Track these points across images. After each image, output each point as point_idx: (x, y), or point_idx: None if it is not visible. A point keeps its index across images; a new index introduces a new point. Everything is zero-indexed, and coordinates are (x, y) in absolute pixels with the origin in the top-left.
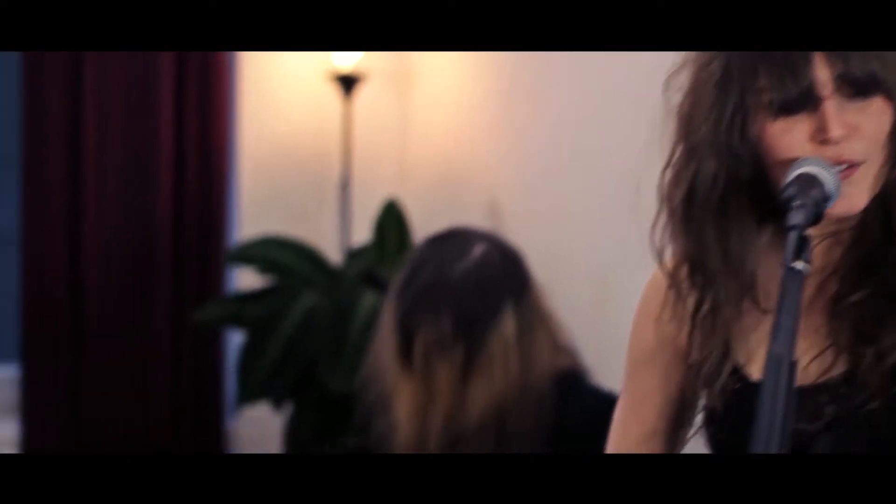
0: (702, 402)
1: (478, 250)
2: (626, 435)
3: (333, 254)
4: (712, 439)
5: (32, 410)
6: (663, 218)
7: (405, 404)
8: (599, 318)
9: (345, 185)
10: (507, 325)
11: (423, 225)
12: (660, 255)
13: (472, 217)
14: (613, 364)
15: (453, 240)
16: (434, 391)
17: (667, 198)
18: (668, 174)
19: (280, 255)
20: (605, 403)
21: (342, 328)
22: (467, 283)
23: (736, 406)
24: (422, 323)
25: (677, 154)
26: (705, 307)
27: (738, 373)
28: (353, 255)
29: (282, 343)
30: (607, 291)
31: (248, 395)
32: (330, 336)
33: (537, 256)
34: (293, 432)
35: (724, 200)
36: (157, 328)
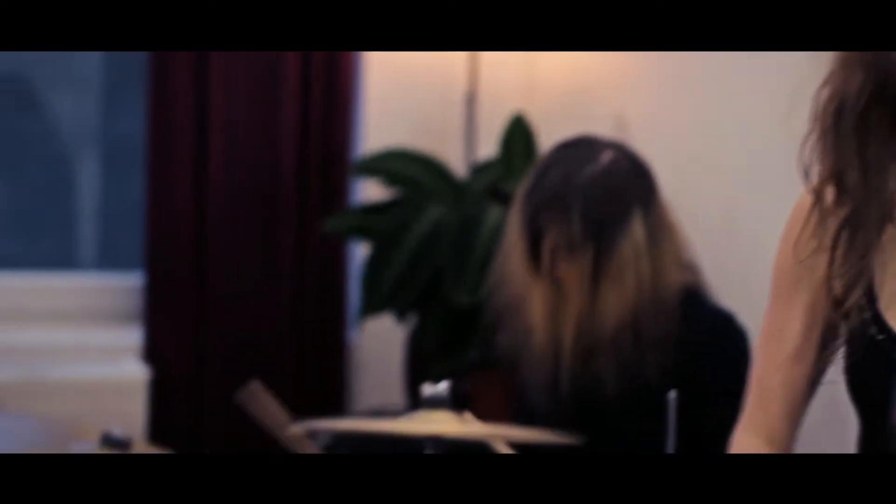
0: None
1: (606, 156)
2: (768, 357)
3: (459, 167)
4: (851, 390)
5: (156, 318)
6: (814, 136)
7: (537, 309)
8: (724, 242)
9: (471, 99)
10: (637, 230)
11: (549, 139)
12: (806, 173)
13: (599, 132)
14: (736, 289)
15: (581, 146)
16: (564, 294)
17: (819, 114)
18: (825, 91)
19: (405, 168)
20: (726, 322)
21: (467, 241)
22: (596, 187)
23: (876, 358)
24: (550, 224)
25: (833, 69)
26: (845, 232)
27: (879, 321)
28: (479, 168)
29: (406, 255)
30: (733, 217)
31: (372, 307)
32: (455, 249)
33: (663, 176)
34: (415, 345)
35: (866, 113)
36: (281, 239)
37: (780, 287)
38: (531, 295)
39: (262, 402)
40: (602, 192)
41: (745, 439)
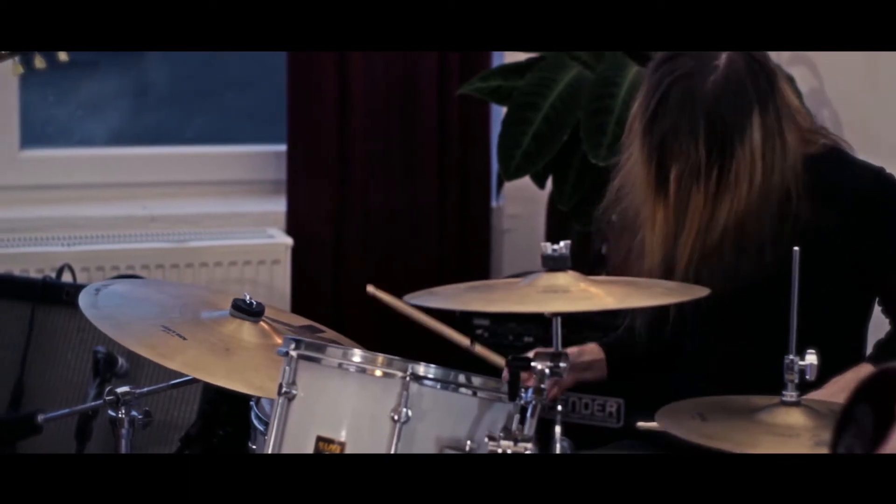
0: None
1: (721, 58)
2: None
3: None
4: None
5: (298, 188)
6: None
7: (658, 231)
8: (867, 92)
9: None
10: (754, 135)
11: None
12: None
13: None
14: (880, 141)
15: (693, 53)
16: (686, 216)
17: None
18: None
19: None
20: (874, 172)
21: (605, 101)
22: (718, 100)
23: None
24: (677, 154)
25: None
26: None
27: None
28: None
29: (544, 116)
30: (876, 62)
31: (511, 170)
32: (593, 109)
33: None
34: (555, 207)
35: None
36: (423, 103)
37: None
38: (653, 218)
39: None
40: (725, 105)
41: None
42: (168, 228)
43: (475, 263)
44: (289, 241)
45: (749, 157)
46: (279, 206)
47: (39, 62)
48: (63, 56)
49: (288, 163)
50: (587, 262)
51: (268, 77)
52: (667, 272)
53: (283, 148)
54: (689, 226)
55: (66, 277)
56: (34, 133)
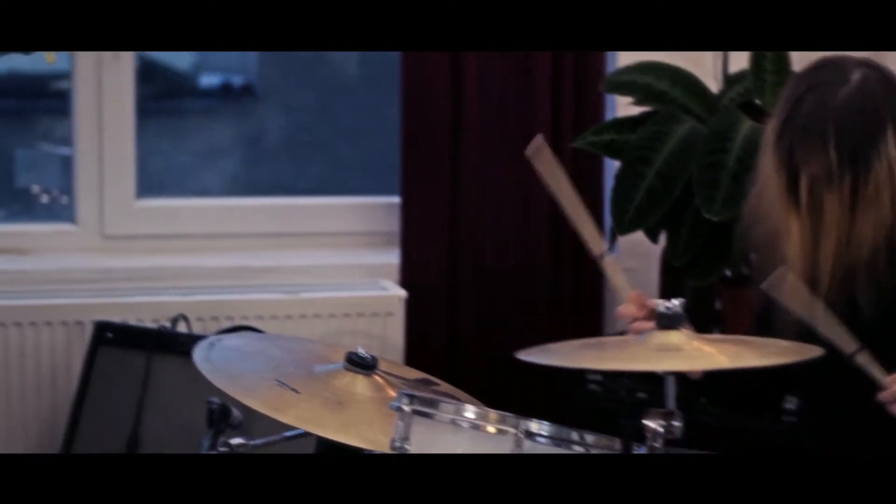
0: None
1: (856, 75)
2: None
3: (711, 80)
4: None
5: (412, 240)
6: None
7: (795, 242)
8: None
9: None
10: (891, 151)
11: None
12: None
13: None
14: None
15: (832, 67)
16: (823, 225)
17: None
18: None
19: (657, 82)
20: None
21: (718, 156)
22: (850, 111)
23: None
24: (807, 157)
25: None
26: None
27: None
28: (731, 81)
29: (658, 171)
30: None
31: (624, 224)
32: (706, 164)
33: None
34: (668, 262)
35: None
36: None
37: None
38: (788, 228)
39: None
40: (856, 116)
41: None
42: (281, 279)
43: (587, 317)
44: (402, 293)
45: (887, 171)
46: (392, 258)
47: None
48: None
49: (401, 215)
50: (701, 319)
51: (381, 128)
52: (811, 286)
53: (396, 200)
54: (827, 235)
55: (182, 327)
56: (150, 182)
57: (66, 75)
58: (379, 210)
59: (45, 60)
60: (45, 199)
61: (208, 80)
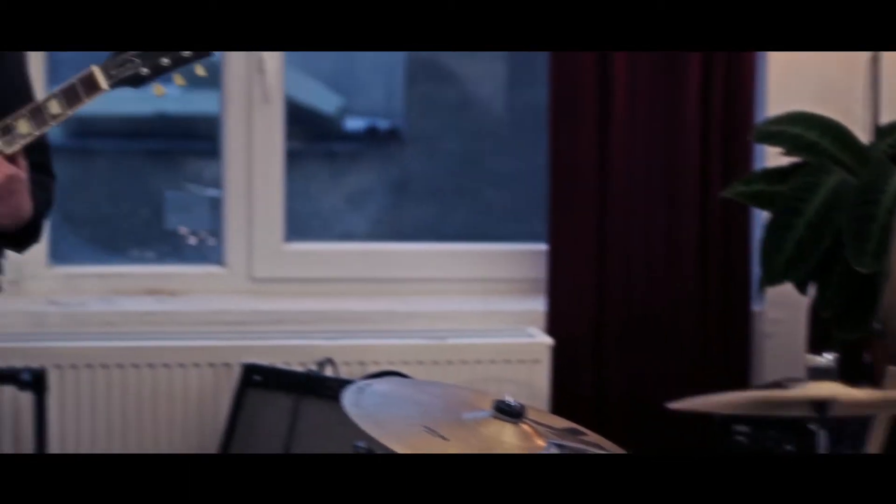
0: None
1: None
2: None
3: (862, 132)
4: None
5: (558, 288)
6: None
7: None
8: None
9: (875, 62)
10: None
11: None
12: None
13: None
14: None
15: None
16: None
17: None
18: None
19: (807, 132)
20: None
21: (869, 208)
22: None
23: None
24: None
25: None
26: None
27: None
28: (882, 132)
29: (807, 222)
30: None
31: (772, 274)
32: (856, 216)
33: None
34: (817, 314)
35: None
36: (683, 207)
37: None
38: None
39: None
40: None
41: None
42: (427, 325)
43: (735, 367)
44: (549, 340)
45: None
46: (539, 304)
47: (201, 70)
48: (200, 71)
49: (548, 262)
50: (850, 372)
51: (529, 175)
52: None
53: (543, 247)
54: None
55: (328, 371)
56: (295, 224)
57: (215, 118)
58: (525, 257)
59: (155, 93)
60: (192, 240)
61: (354, 123)
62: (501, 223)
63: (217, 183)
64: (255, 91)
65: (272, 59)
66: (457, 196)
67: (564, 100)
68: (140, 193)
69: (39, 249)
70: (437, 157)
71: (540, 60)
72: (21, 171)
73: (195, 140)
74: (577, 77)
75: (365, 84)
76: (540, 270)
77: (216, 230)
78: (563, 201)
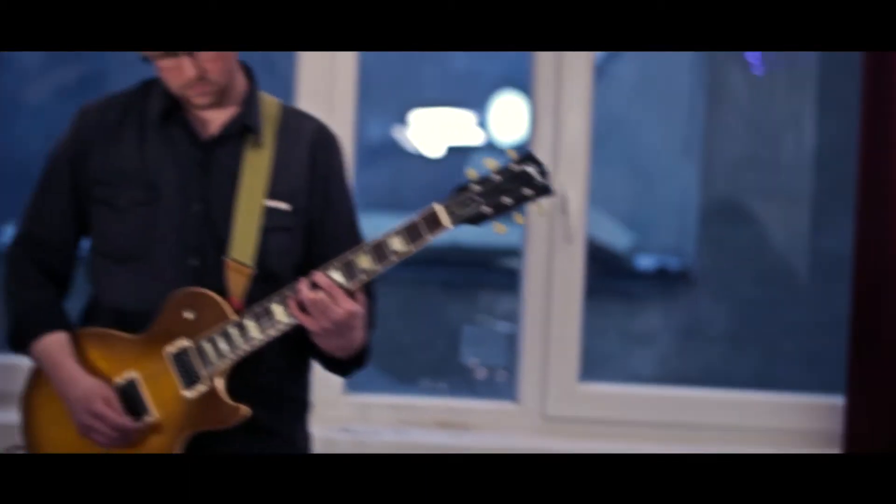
0: None
1: None
2: None
3: None
4: None
5: (857, 444)
6: None
7: None
8: None
9: None
10: None
11: None
12: None
13: None
14: None
15: None
16: None
17: None
18: None
19: None
20: None
21: None
22: None
23: None
24: None
25: None
26: None
27: None
28: None
29: None
30: None
31: None
32: None
33: None
34: None
35: None
36: None
37: None
38: None
39: None
40: None
41: None
42: None
43: None
44: None
45: None
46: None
47: (540, 209)
48: (539, 210)
49: (846, 415)
50: None
51: (827, 325)
52: None
53: (839, 400)
54: None
55: None
56: (586, 363)
57: (514, 252)
58: (819, 409)
59: (495, 231)
60: (481, 374)
61: (644, 261)
62: (793, 372)
63: (509, 316)
64: (556, 230)
65: (576, 200)
66: (748, 342)
67: (872, 249)
68: (436, 324)
69: (337, 377)
70: (728, 300)
71: (842, 205)
72: (360, 308)
73: (490, 272)
74: (884, 225)
75: (658, 221)
76: (836, 424)
77: (508, 365)
78: (865, 352)
